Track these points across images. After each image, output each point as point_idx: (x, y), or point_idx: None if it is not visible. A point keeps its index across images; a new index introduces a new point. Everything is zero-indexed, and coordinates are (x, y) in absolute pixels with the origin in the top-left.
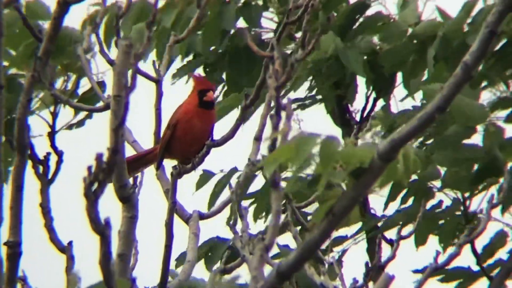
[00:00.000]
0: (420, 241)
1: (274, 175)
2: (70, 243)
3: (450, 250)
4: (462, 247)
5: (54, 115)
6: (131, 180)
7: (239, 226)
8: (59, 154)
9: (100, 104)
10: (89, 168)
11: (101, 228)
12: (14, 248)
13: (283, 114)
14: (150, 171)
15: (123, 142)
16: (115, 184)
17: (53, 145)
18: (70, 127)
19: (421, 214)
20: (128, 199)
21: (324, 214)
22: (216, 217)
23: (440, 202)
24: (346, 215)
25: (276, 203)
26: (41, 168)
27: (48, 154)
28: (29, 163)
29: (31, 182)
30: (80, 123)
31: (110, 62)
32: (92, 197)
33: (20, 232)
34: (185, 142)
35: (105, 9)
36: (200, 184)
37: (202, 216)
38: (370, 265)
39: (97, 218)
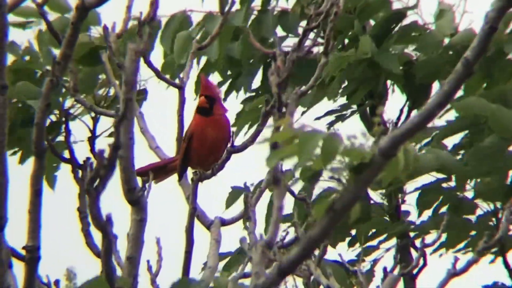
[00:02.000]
0: (450, 245)
1: (276, 171)
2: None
3: (468, 256)
4: (481, 254)
5: (95, 120)
6: (140, 183)
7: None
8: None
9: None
10: (91, 164)
11: (103, 224)
12: (33, 253)
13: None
14: (171, 176)
15: (132, 144)
16: (123, 187)
17: (93, 150)
18: (112, 134)
19: (446, 222)
20: (137, 202)
21: (325, 211)
22: (238, 224)
23: (473, 212)
24: (347, 211)
25: (278, 200)
26: (80, 172)
27: (88, 159)
28: (69, 168)
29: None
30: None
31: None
32: (93, 193)
33: (39, 237)
34: (202, 152)
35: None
36: (230, 201)
37: (224, 223)
38: (398, 273)
39: (98, 214)
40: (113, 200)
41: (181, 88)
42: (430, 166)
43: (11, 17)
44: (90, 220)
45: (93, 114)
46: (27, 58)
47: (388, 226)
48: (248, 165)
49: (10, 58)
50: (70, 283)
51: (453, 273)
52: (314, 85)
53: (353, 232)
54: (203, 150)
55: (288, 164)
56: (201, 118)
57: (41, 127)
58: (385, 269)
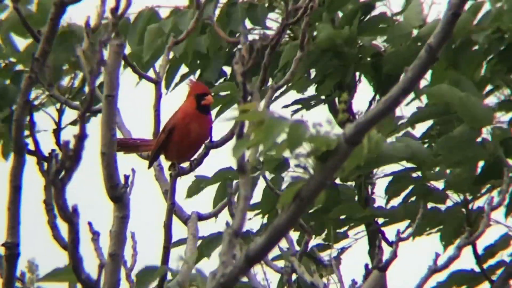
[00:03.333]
0: (418, 234)
1: (241, 159)
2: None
3: (449, 252)
4: (461, 249)
5: (60, 112)
6: (122, 179)
7: None
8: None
9: (100, 105)
10: (56, 155)
11: (69, 215)
12: (12, 249)
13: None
14: (148, 172)
15: (114, 141)
16: (106, 184)
17: (58, 142)
18: (74, 123)
19: (421, 216)
20: (120, 199)
21: (291, 198)
22: (214, 219)
23: (443, 202)
24: (314, 199)
25: (244, 188)
26: (45, 165)
27: (53, 151)
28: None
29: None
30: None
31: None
32: (59, 184)
33: (18, 233)
34: (182, 146)
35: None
36: (192, 191)
37: (201, 217)
38: (370, 267)
39: (65, 205)
40: (95, 196)
41: (157, 83)
42: (399, 155)
43: None
44: (57, 211)
45: (58, 106)
46: None
47: (357, 211)
48: (226, 160)
49: None
50: (32, 275)
51: (434, 269)
52: (290, 79)
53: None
54: (183, 143)
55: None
56: (188, 112)
57: (20, 124)
58: (366, 265)
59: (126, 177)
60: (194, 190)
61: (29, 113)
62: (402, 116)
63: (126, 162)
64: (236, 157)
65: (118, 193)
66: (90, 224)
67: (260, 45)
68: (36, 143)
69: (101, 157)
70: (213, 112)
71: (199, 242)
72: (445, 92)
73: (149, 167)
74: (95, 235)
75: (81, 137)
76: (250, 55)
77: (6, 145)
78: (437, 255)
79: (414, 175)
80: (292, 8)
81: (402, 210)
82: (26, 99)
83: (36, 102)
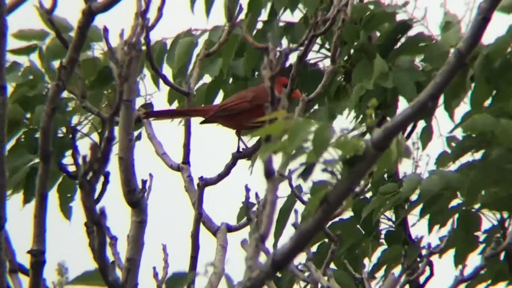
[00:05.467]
0: (459, 260)
1: (268, 164)
2: (113, 262)
3: (476, 262)
4: (488, 260)
5: (101, 136)
6: (140, 184)
7: None
8: (106, 175)
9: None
10: (84, 157)
11: (97, 218)
12: (38, 257)
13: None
14: (177, 181)
15: (132, 146)
16: (123, 189)
17: (102, 166)
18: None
19: (452, 233)
20: (137, 204)
21: (318, 203)
22: (244, 230)
23: (479, 223)
24: (341, 203)
25: (271, 194)
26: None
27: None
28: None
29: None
30: (138, 137)
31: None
32: (87, 187)
33: (44, 241)
34: (249, 121)
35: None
36: (241, 216)
37: (230, 229)
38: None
39: (92, 208)
40: (113, 201)
41: (188, 95)
42: (436, 188)
43: (14, 43)
44: (83, 213)
45: (100, 130)
46: (31, 77)
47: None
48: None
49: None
50: (62, 278)
51: (461, 280)
52: (321, 91)
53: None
54: (252, 119)
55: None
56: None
57: (47, 131)
58: (397, 279)
59: (144, 182)
60: (243, 215)
61: (72, 139)
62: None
63: (152, 169)
64: (263, 160)
65: (135, 198)
66: (108, 229)
67: (289, 50)
68: (78, 167)
69: (118, 162)
70: None
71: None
72: (480, 122)
73: (202, 122)
74: (113, 240)
75: (109, 140)
76: (278, 60)
77: (27, 194)
78: (464, 265)
79: (453, 203)
80: (320, 19)
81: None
82: (53, 106)
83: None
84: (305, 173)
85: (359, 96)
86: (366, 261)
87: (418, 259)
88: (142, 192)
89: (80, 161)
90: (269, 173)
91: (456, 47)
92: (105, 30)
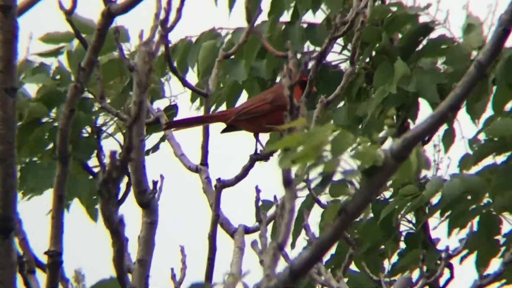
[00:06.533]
0: (481, 264)
1: (287, 172)
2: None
3: (495, 267)
4: (507, 265)
5: (126, 136)
6: (151, 185)
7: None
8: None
9: (150, 118)
10: (103, 166)
11: (115, 226)
12: (55, 258)
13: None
14: (195, 183)
15: (143, 146)
16: (134, 190)
17: (123, 166)
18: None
19: (473, 236)
20: (148, 205)
21: (337, 213)
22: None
23: (499, 226)
24: (359, 213)
25: (289, 202)
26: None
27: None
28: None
29: None
30: (155, 148)
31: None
32: (106, 195)
33: (61, 242)
34: (272, 123)
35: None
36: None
37: (247, 231)
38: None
39: (111, 216)
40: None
41: (207, 96)
42: (457, 191)
43: (42, 46)
44: (102, 221)
45: (124, 131)
46: (58, 77)
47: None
48: (271, 172)
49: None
50: (79, 284)
51: (480, 284)
52: (339, 93)
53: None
54: (276, 122)
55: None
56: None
57: (65, 133)
58: (410, 279)
59: (155, 183)
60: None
61: (97, 139)
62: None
63: (154, 168)
64: (282, 169)
65: (146, 198)
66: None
67: (308, 58)
68: (103, 168)
69: (129, 163)
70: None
71: None
72: (503, 126)
73: (224, 131)
74: (125, 241)
75: (129, 148)
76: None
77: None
78: (485, 269)
79: (473, 206)
80: (339, 21)
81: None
82: (71, 108)
83: (103, 128)
84: (324, 182)
85: (382, 99)
86: (385, 263)
87: (438, 262)
88: (153, 193)
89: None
90: (287, 181)
91: (477, 59)
92: (116, 31)
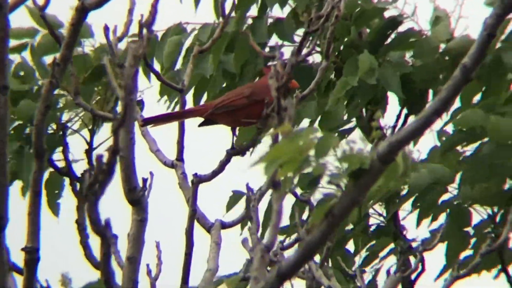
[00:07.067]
0: (451, 256)
1: (274, 175)
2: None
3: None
4: (483, 256)
5: (92, 133)
6: (140, 183)
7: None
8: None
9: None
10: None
11: (101, 229)
12: (32, 254)
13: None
14: (171, 178)
15: (132, 144)
16: (124, 187)
17: (90, 163)
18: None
19: (444, 229)
20: (138, 202)
21: (323, 215)
22: (238, 227)
23: (469, 218)
24: (346, 216)
25: (277, 203)
26: (78, 185)
27: (86, 171)
28: (67, 181)
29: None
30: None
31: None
32: (92, 199)
33: (38, 238)
34: (249, 117)
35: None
36: (230, 205)
37: (224, 225)
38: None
39: (97, 219)
40: (113, 200)
41: (182, 91)
42: (425, 181)
43: None
44: (89, 225)
45: (90, 127)
46: (21, 73)
47: (388, 244)
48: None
49: None
50: None
51: (456, 277)
52: (314, 88)
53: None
54: (253, 116)
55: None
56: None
57: (40, 129)
58: (388, 272)
59: (144, 180)
60: (232, 205)
61: (62, 136)
62: None
63: (146, 166)
64: (269, 174)
65: (136, 196)
66: (114, 236)
67: (295, 60)
68: (68, 164)
69: (119, 160)
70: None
71: None
72: (472, 118)
73: (200, 126)
74: (113, 239)
75: (115, 151)
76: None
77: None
78: (459, 262)
79: (444, 198)
80: (314, 16)
81: (433, 237)
82: (46, 104)
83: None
84: (311, 185)
85: (347, 92)
86: (356, 257)
87: (411, 256)
88: (143, 191)
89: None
90: (275, 184)
91: (462, 62)
92: (106, 28)
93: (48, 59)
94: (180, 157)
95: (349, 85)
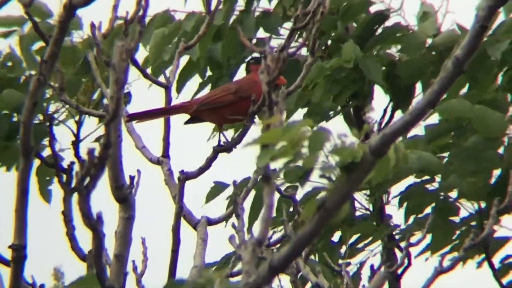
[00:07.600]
0: (435, 247)
1: (266, 168)
2: (90, 251)
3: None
4: (467, 251)
5: (79, 124)
6: (127, 180)
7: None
8: (83, 163)
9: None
10: (82, 162)
11: (93, 223)
12: (19, 252)
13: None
14: (157, 175)
15: (120, 142)
16: (111, 185)
17: (77, 154)
18: (98, 139)
19: (430, 222)
20: (125, 200)
21: (315, 208)
22: (224, 223)
23: (457, 213)
24: (338, 209)
25: (268, 197)
26: (64, 177)
27: (72, 163)
28: (54, 172)
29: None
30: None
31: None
32: (84, 192)
33: (25, 235)
34: (235, 114)
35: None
36: (210, 196)
37: (210, 222)
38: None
39: (89, 213)
40: (100, 197)
41: (167, 88)
42: (413, 167)
43: None
44: (81, 218)
45: (77, 118)
46: (9, 64)
47: (373, 230)
48: (233, 165)
49: None
50: (58, 282)
51: (440, 271)
52: (301, 84)
53: (336, 234)
54: (241, 113)
55: (278, 163)
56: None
57: (28, 126)
58: (372, 267)
59: (132, 178)
60: (212, 196)
61: (49, 127)
62: None
63: (132, 163)
64: (261, 166)
65: (123, 194)
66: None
67: (287, 54)
68: (55, 155)
69: None
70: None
71: None
72: (457, 107)
73: (188, 122)
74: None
75: (107, 145)
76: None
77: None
78: (443, 256)
79: (428, 187)
80: (301, 12)
81: (417, 225)
82: (34, 101)
83: (55, 116)
84: (302, 179)
85: (329, 79)
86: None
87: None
88: (130, 188)
89: (77, 167)
90: (266, 177)
91: (454, 55)
92: (92, 26)
93: (36, 47)
94: (166, 154)
95: (325, 69)
